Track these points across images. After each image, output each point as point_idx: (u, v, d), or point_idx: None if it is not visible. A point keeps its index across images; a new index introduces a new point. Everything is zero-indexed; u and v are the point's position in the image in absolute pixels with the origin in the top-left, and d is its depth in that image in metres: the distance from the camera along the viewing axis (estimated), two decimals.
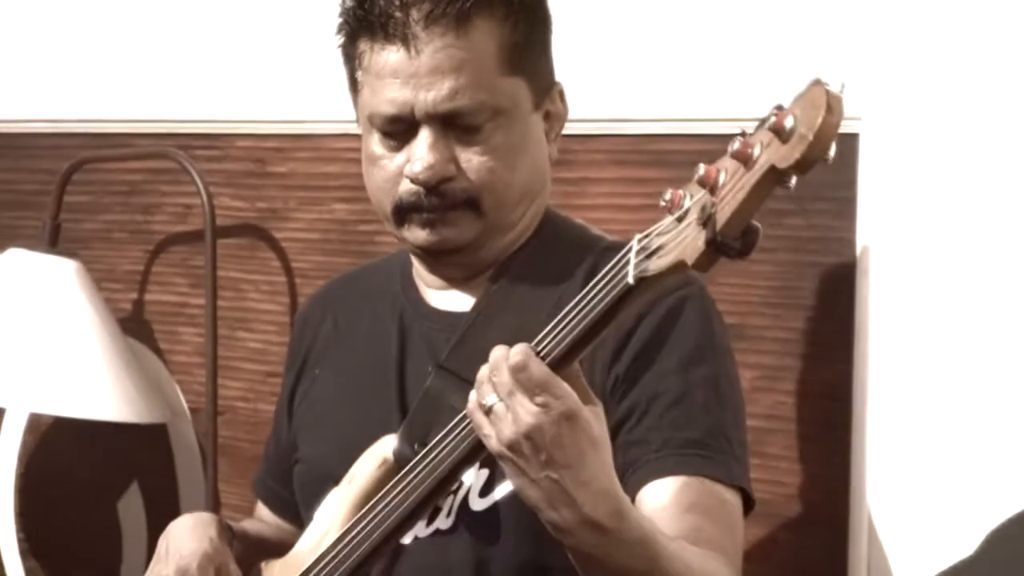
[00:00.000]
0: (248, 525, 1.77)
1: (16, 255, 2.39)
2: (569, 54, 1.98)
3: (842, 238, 1.88)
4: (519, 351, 1.30)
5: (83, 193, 2.53)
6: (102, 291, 2.43)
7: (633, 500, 1.41)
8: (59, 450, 2.60)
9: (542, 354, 1.30)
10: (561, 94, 1.63)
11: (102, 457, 2.55)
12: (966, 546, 1.74)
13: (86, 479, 2.58)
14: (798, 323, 1.93)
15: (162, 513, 2.24)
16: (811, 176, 1.89)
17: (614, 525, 1.31)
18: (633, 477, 1.44)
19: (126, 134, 2.50)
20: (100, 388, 2.32)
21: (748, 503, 1.54)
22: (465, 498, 1.52)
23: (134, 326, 2.53)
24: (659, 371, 1.51)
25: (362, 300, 1.72)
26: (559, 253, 1.56)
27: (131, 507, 2.53)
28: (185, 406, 2.48)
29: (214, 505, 2.36)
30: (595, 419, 1.32)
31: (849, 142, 1.85)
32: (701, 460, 1.49)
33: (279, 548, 1.64)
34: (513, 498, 1.47)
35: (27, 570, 2.44)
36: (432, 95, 1.51)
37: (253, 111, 2.37)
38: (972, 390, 1.78)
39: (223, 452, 2.38)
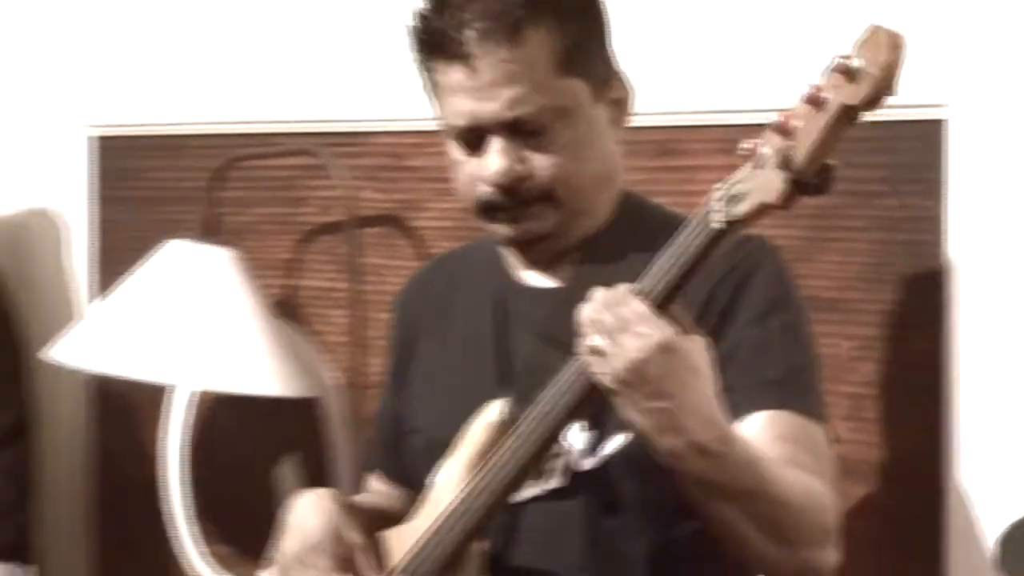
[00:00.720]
0: (363, 497, 1.85)
1: (175, 245, 2.45)
2: (679, 48, 2.07)
3: (931, 217, 1.94)
4: (620, 290, 1.41)
5: (237, 189, 2.61)
6: (257, 278, 2.49)
7: None
8: (221, 423, 2.67)
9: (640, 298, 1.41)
10: (621, 79, 1.67)
11: (260, 430, 2.62)
12: None
13: (246, 451, 2.66)
14: (891, 295, 1.99)
15: (315, 480, 2.32)
16: (902, 158, 2.00)
17: (721, 449, 1.41)
18: None
19: (274, 134, 2.58)
20: (258, 366, 2.37)
21: None
22: (574, 460, 1.59)
23: (287, 309, 2.61)
24: (738, 324, 1.60)
25: (457, 281, 1.81)
26: (642, 230, 1.61)
27: (287, 475, 2.57)
28: (335, 381, 2.54)
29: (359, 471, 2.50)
30: (696, 350, 1.42)
31: (935, 128, 1.92)
32: (784, 395, 1.57)
33: (394, 516, 1.70)
34: (621, 455, 1.57)
35: (194, 533, 2.51)
36: (495, 106, 1.58)
37: (389, 110, 2.44)
38: None
39: (370, 423, 2.45)
